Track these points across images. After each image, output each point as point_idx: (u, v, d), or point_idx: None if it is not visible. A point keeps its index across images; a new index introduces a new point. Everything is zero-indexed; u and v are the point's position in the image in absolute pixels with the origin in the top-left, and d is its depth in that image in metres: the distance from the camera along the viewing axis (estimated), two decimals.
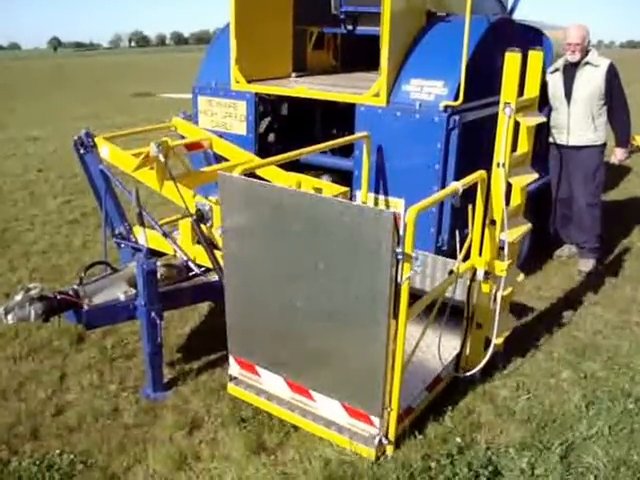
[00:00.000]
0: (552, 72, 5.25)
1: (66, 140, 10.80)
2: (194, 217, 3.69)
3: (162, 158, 3.70)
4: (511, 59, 3.17)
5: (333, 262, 2.84)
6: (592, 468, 3.01)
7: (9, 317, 3.20)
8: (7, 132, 12.87)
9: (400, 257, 2.67)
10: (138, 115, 15.04)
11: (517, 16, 5.97)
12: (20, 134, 12.47)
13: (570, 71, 5.16)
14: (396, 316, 2.83)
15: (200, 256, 3.78)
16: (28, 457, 3.09)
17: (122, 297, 3.55)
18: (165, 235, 3.85)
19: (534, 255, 5.45)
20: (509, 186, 3.50)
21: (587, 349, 4.10)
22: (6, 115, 15.73)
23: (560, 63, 5.24)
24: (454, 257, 3.75)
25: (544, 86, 5.06)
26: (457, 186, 3.17)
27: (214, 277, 3.79)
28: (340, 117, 4.90)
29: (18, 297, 3.22)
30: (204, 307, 4.61)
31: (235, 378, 3.55)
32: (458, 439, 3.16)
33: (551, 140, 5.38)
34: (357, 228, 2.69)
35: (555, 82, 5.23)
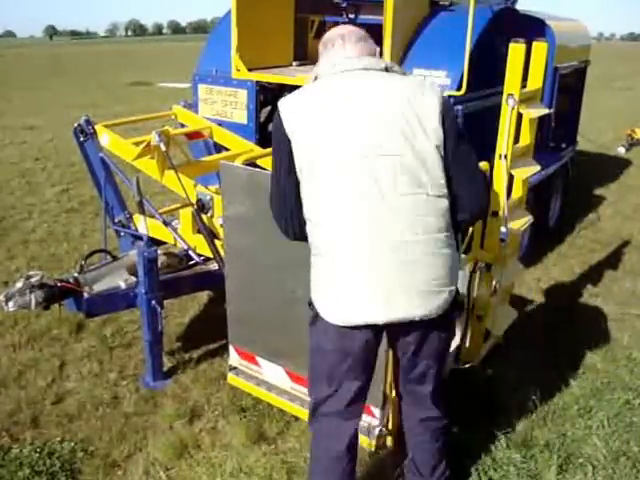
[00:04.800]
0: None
1: (63, 129, 10.78)
2: (195, 207, 3.68)
3: (163, 147, 3.67)
4: (515, 50, 3.13)
5: None
6: (591, 459, 3.02)
7: (10, 304, 3.21)
8: (3, 120, 12.79)
9: None
10: (136, 104, 14.96)
11: (519, 6, 5.93)
12: (16, 123, 12.39)
13: None
14: None
15: (200, 245, 3.77)
16: (29, 444, 3.09)
17: (123, 285, 3.56)
18: (165, 224, 3.84)
19: (534, 247, 5.45)
20: (511, 178, 3.48)
21: (587, 341, 4.10)
22: (2, 104, 15.62)
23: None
24: None
25: None
26: None
27: (214, 265, 3.78)
28: None
29: (19, 284, 3.23)
30: (204, 296, 4.60)
31: (235, 368, 3.53)
32: (457, 430, 3.16)
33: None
34: None
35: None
